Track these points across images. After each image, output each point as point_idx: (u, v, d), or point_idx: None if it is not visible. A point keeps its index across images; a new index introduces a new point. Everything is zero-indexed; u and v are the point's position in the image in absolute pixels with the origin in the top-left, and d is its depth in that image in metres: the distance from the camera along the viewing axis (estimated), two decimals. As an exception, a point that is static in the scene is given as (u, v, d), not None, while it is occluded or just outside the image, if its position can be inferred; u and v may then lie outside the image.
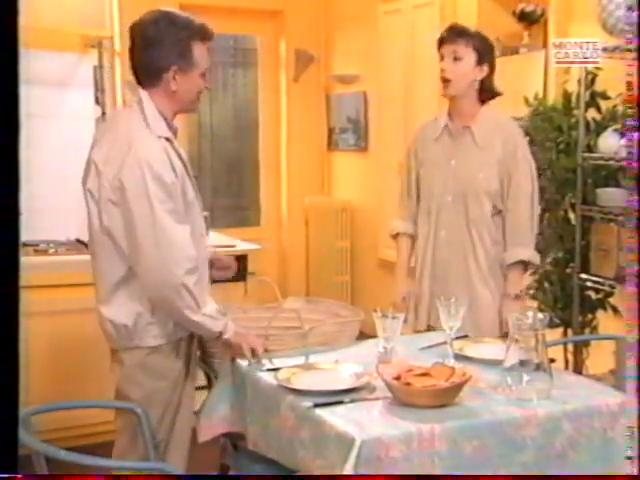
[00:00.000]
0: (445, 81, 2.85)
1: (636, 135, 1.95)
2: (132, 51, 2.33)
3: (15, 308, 1.37)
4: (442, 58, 2.85)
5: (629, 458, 1.92)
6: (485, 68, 2.84)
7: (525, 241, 2.84)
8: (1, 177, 1.37)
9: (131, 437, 2.35)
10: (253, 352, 2.33)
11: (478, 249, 2.86)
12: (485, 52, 2.84)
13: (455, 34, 2.84)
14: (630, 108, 1.98)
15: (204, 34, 2.33)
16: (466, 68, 2.82)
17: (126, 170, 2.20)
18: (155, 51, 2.27)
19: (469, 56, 2.81)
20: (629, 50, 1.94)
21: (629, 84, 1.96)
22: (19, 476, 1.48)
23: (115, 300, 2.31)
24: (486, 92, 2.88)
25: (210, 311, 2.30)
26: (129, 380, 2.35)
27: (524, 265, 2.88)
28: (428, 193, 2.93)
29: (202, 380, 2.69)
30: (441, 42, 2.87)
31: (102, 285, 2.34)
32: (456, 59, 2.82)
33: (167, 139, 2.30)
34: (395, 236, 3.08)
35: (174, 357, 2.37)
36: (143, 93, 2.31)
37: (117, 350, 2.36)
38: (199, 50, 2.31)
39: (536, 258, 2.89)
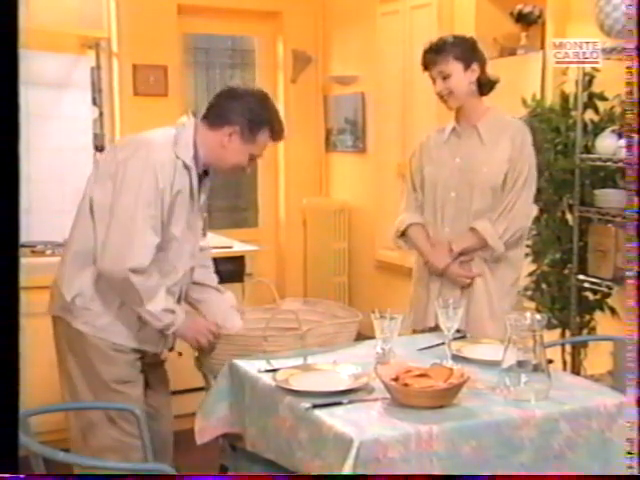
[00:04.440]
0: (444, 99, 2.84)
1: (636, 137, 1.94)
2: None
3: (15, 309, 1.37)
4: (434, 81, 2.85)
5: (629, 455, 1.92)
6: (475, 67, 2.82)
7: (493, 219, 2.79)
8: (1, 177, 1.38)
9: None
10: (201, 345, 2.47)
11: None
12: (468, 54, 2.81)
13: (433, 54, 2.82)
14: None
15: (275, 131, 2.48)
16: (458, 80, 2.80)
17: (134, 160, 2.36)
18: (235, 103, 2.44)
19: (456, 68, 2.79)
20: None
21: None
22: (22, 476, 1.48)
23: (69, 270, 2.45)
24: (485, 86, 2.87)
25: (155, 309, 2.36)
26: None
27: (478, 237, 2.79)
28: (432, 191, 2.91)
29: (200, 381, 2.70)
30: (425, 67, 2.86)
31: (66, 253, 2.49)
32: (445, 78, 2.80)
33: (186, 167, 2.41)
34: (404, 231, 2.95)
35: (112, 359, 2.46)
36: (192, 120, 2.47)
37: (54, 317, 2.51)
38: (263, 137, 2.46)
39: (493, 239, 2.77)
